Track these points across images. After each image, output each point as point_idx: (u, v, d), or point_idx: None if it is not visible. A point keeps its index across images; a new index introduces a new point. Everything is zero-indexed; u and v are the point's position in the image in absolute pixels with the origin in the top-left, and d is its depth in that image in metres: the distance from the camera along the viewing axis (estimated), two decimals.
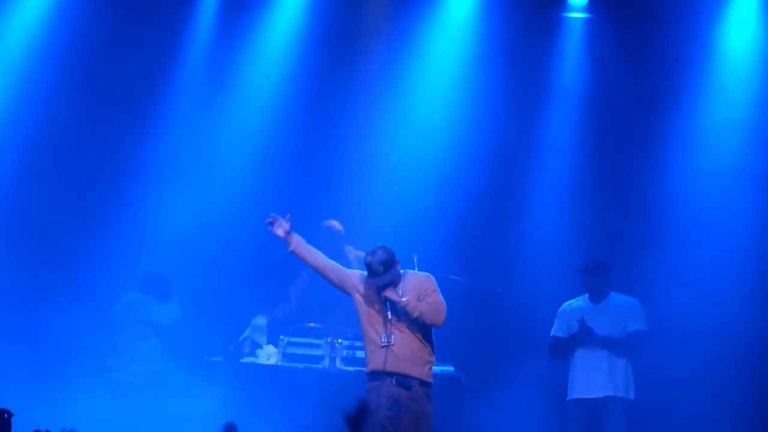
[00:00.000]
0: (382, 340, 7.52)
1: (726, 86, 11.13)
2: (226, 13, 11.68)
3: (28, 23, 11.24)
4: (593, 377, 9.25)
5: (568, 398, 9.47)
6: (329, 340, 9.75)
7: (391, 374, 7.54)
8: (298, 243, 7.63)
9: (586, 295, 9.57)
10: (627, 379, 9.25)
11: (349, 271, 7.76)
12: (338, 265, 7.75)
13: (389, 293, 7.48)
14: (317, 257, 7.66)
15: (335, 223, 10.42)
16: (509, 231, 11.39)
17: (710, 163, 11.07)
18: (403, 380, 7.55)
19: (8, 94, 11.11)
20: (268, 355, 9.86)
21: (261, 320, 9.91)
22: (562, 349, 9.47)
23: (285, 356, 9.76)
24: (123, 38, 11.31)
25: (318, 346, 9.78)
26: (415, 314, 7.48)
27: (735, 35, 11.18)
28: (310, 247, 7.67)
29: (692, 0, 11.05)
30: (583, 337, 9.26)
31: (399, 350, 7.51)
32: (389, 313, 7.48)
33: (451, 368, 9.75)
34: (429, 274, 7.74)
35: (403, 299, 7.46)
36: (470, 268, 10.76)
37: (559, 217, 11.27)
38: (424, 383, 7.61)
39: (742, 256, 10.76)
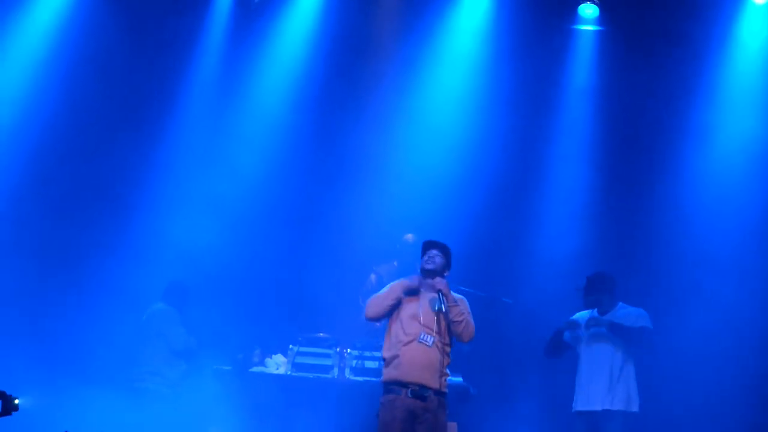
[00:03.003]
0: (420, 338, 7.69)
1: (740, 97, 11.14)
2: (238, 22, 11.71)
3: (39, 31, 11.26)
4: (594, 390, 9.24)
5: (573, 410, 9.47)
6: (338, 349, 9.77)
7: (406, 385, 7.62)
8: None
9: (596, 309, 9.55)
10: (629, 393, 9.22)
11: (395, 282, 7.97)
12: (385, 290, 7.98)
13: (444, 287, 7.78)
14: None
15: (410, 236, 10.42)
16: (519, 242, 11.40)
17: (725, 175, 11.08)
18: (419, 392, 7.62)
19: (20, 101, 11.12)
20: (278, 364, 9.86)
21: None
22: (557, 349, 9.48)
23: (294, 366, 9.77)
24: (135, 49, 11.35)
25: (327, 355, 9.79)
26: (458, 319, 7.74)
27: (747, 46, 11.18)
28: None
29: (703, 12, 11.04)
30: (593, 323, 9.26)
31: (431, 355, 7.66)
32: (440, 305, 7.75)
33: (460, 379, 9.76)
34: (463, 297, 8.05)
35: (455, 303, 7.77)
36: (480, 279, 10.75)
37: (570, 228, 11.27)
38: (438, 392, 7.71)
39: (760, 271, 10.77)
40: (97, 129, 11.31)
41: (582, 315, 9.57)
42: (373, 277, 10.38)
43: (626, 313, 9.40)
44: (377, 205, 11.32)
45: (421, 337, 7.70)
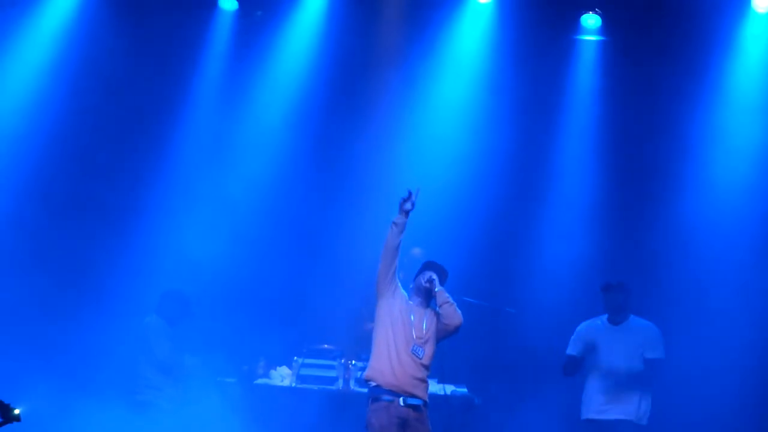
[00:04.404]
0: (412, 349, 7.72)
1: (743, 107, 11.14)
2: (241, 34, 11.74)
3: (44, 40, 11.33)
4: (606, 400, 9.21)
5: (581, 418, 9.43)
6: (343, 361, 9.77)
7: (398, 394, 7.64)
8: (404, 223, 7.94)
9: (605, 316, 9.46)
10: (641, 405, 9.18)
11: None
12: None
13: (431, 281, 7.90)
14: (399, 241, 7.95)
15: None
16: (522, 253, 11.40)
17: (728, 184, 11.08)
18: (412, 401, 7.66)
19: (24, 109, 11.18)
20: (282, 376, 9.87)
21: None
22: (576, 369, 9.45)
23: (299, 377, 9.78)
24: (138, 60, 11.38)
25: (332, 367, 9.80)
26: (449, 300, 7.80)
27: (750, 54, 11.19)
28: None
29: (706, 21, 11.05)
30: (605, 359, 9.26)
31: (421, 367, 7.71)
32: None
33: (465, 389, 9.75)
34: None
35: (438, 288, 7.86)
36: (484, 289, 10.75)
37: (573, 240, 11.27)
38: (426, 404, 7.81)
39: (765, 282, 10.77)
40: (101, 138, 11.35)
41: (589, 324, 9.54)
42: None
43: (640, 326, 9.35)
44: (381, 217, 11.30)
45: (413, 348, 7.75)
